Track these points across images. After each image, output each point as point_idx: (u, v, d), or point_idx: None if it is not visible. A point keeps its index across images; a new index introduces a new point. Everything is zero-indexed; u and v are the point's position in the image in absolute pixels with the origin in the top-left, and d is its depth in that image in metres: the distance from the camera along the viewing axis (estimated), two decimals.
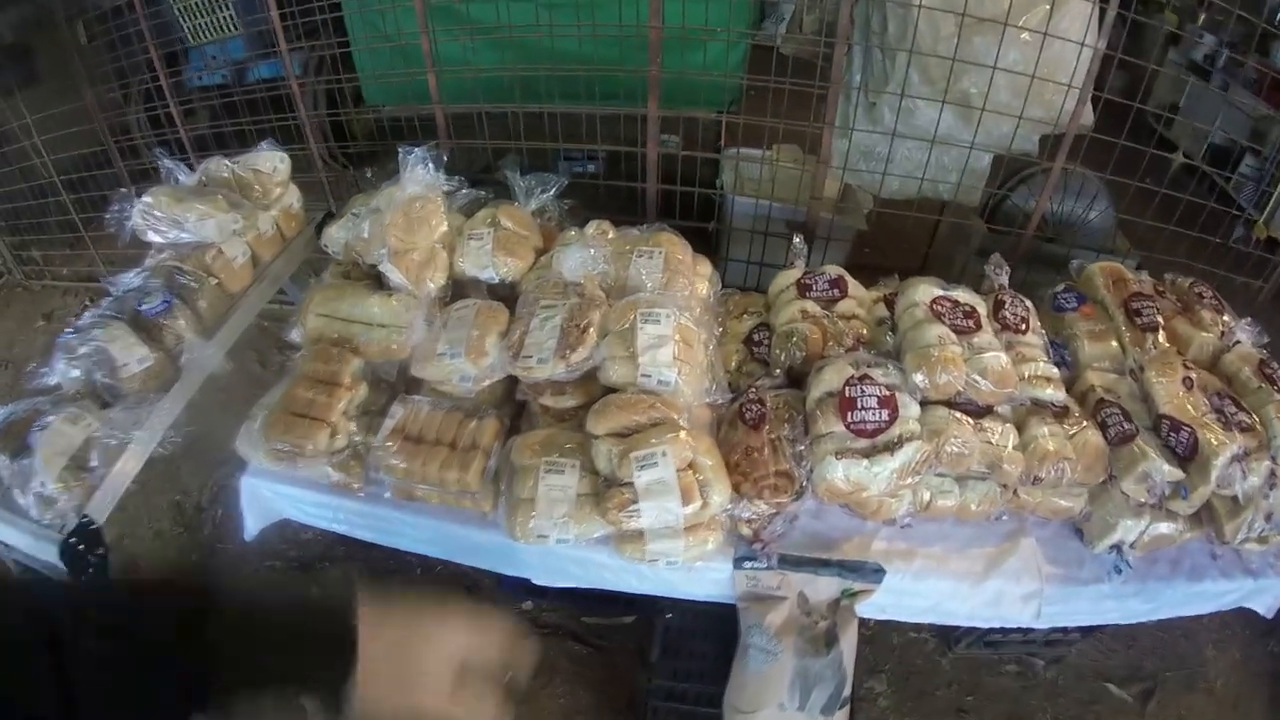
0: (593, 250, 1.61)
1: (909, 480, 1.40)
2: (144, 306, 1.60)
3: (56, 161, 2.82)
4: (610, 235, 1.76)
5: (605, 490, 1.37)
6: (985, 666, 1.99)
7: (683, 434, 1.35)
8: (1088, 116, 1.93)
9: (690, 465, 1.37)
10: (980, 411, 1.47)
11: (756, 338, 1.66)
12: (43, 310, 2.77)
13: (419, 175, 1.74)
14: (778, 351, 1.57)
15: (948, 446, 1.41)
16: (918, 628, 1.99)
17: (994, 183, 1.99)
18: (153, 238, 1.73)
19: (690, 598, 1.57)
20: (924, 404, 1.45)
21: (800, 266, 1.73)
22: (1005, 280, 1.68)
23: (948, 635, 1.96)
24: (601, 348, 1.48)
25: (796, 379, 1.57)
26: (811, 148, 1.98)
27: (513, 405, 1.66)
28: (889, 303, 1.65)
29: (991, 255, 1.66)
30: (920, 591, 1.52)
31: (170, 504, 2.24)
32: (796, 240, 1.74)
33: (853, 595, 1.50)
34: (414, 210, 1.68)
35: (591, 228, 1.76)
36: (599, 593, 1.60)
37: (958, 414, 1.44)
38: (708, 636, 1.74)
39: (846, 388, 1.42)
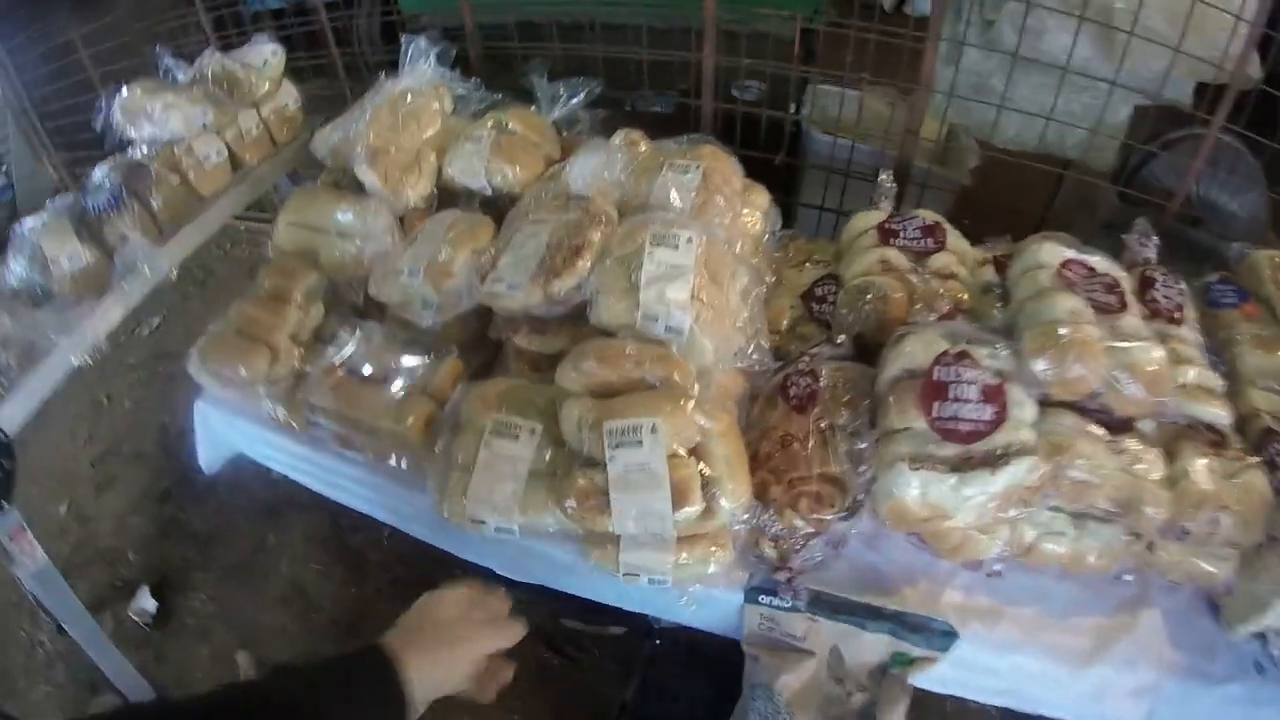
0: (611, 156, 1.22)
1: (1011, 512, 1.00)
2: (89, 201, 1.48)
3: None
4: (642, 147, 1.37)
5: (568, 471, 0.99)
6: None
7: (686, 405, 0.97)
8: (1255, 67, 1.51)
9: (695, 452, 0.98)
10: (1118, 425, 1.07)
11: (819, 293, 1.28)
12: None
13: (420, 70, 1.48)
14: (844, 310, 1.18)
15: (1072, 470, 1.01)
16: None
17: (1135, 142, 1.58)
18: (131, 134, 1.60)
19: (683, 624, 1.22)
20: (1043, 405, 1.05)
21: (886, 210, 1.33)
22: (1153, 255, 1.27)
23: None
24: (595, 276, 1.09)
25: (867, 351, 1.19)
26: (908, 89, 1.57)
27: (487, 349, 1.34)
28: (999, 265, 1.26)
29: (1136, 221, 1.26)
30: (999, 669, 1.13)
31: (159, 425, 2.19)
32: (884, 177, 1.34)
33: (908, 663, 1.11)
34: (403, 105, 1.42)
35: (619, 136, 1.39)
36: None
37: (1089, 425, 1.04)
38: (704, 674, 1.36)
39: (936, 368, 1.02)
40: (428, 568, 1.61)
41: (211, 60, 1.67)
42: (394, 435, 1.15)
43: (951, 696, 1.56)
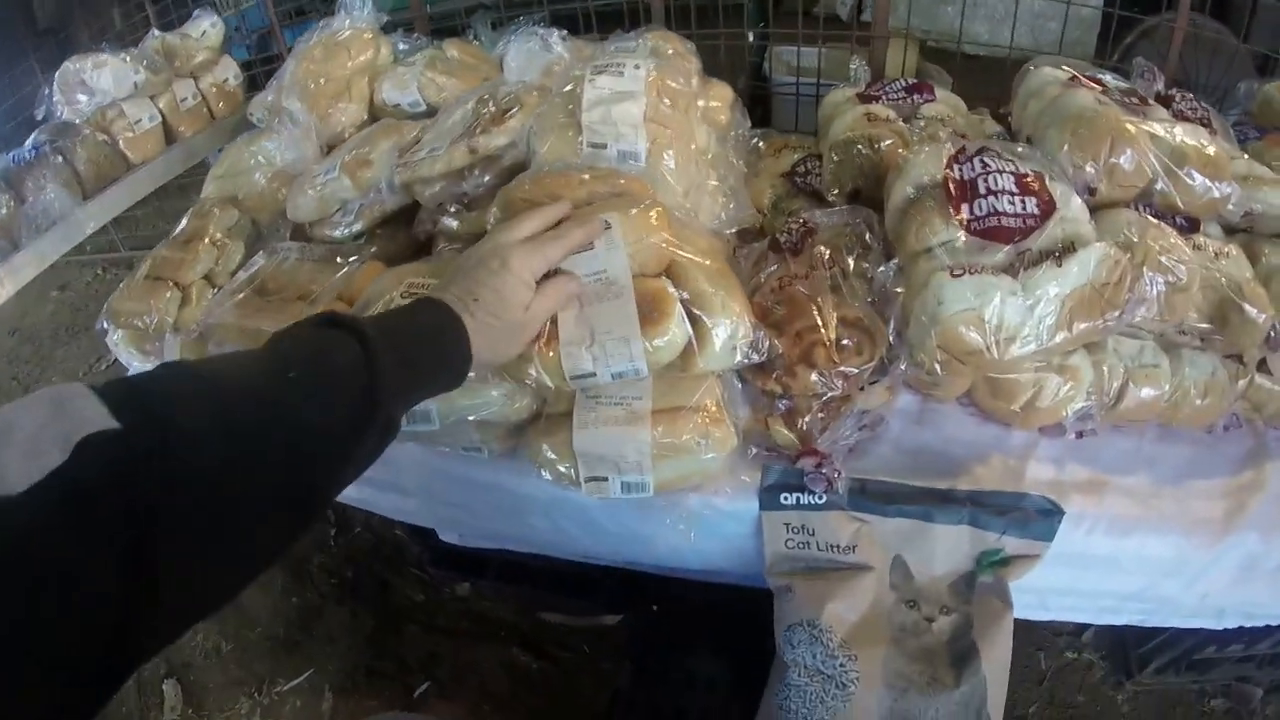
0: (547, 41, 1.13)
1: (1095, 321, 0.80)
2: (11, 154, 1.45)
3: None
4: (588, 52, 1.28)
5: None
6: (1183, 703, 1.23)
7: (652, 212, 0.77)
8: None
9: (669, 272, 0.78)
10: (1181, 230, 0.91)
11: (802, 169, 1.14)
12: (59, 283, 2.85)
13: (355, 14, 1.39)
14: (834, 162, 1.04)
15: (1151, 266, 0.83)
16: (1076, 643, 1.25)
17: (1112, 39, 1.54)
18: (68, 114, 1.56)
19: (676, 569, 0.97)
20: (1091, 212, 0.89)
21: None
22: (1160, 88, 1.17)
23: (1126, 654, 1.21)
24: (530, 121, 0.94)
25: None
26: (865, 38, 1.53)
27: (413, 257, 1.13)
28: (999, 117, 1.14)
29: (1135, 60, 1.17)
30: (1119, 560, 0.87)
31: None
32: (856, 64, 1.25)
33: (1003, 563, 0.84)
34: (335, 39, 1.34)
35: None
36: (566, 576, 1.16)
37: (1151, 219, 0.88)
38: (716, 647, 1.08)
39: (955, 166, 0.86)
40: (382, 565, 1.51)
41: (151, 39, 1.68)
42: None
43: (1042, 640, 1.25)
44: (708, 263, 0.80)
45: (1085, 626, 1.25)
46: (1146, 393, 0.88)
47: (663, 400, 0.80)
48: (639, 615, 1.15)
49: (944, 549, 0.85)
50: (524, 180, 0.86)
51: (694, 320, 0.76)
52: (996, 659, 0.83)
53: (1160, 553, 0.86)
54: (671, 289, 0.77)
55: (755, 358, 0.79)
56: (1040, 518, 0.83)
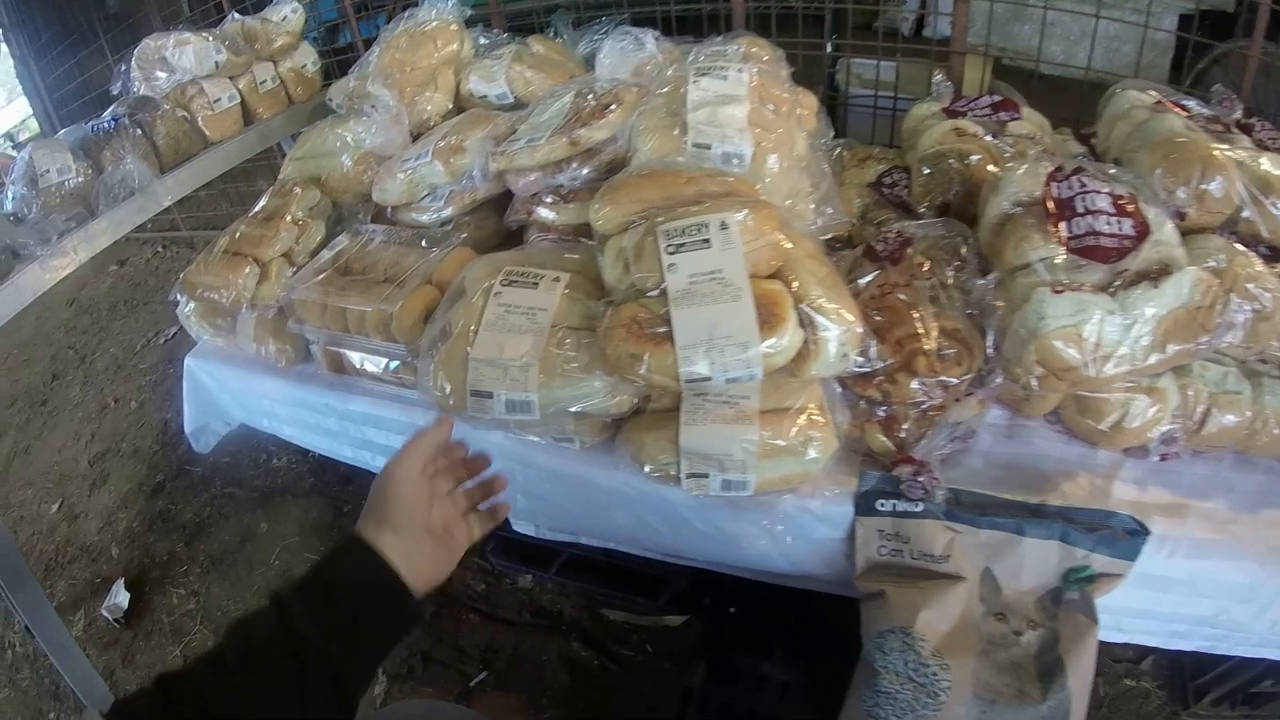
0: (641, 39, 1.20)
1: (1187, 344, 0.88)
2: (91, 124, 1.52)
3: None
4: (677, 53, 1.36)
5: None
6: None
7: (767, 212, 0.84)
8: None
9: (780, 275, 0.85)
10: (1265, 257, 0.99)
11: (889, 180, 1.23)
12: (118, 257, 3.09)
13: (440, 7, 1.50)
14: (924, 176, 1.11)
15: (1238, 294, 0.91)
16: (1134, 671, 1.31)
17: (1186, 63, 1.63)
18: (139, 90, 1.65)
19: (758, 571, 1.01)
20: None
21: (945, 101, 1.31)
22: (1239, 116, 1.26)
23: (1183, 684, 1.28)
24: (633, 119, 1.00)
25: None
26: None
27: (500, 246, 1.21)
28: (1082, 138, 1.23)
29: (1214, 87, 1.26)
30: (1196, 584, 0.94)
31: (161, 422, 2.28)
32: (938, 77, 1.33)
33: (1089, 580, 0.91)
34: (420, 30, 1.44)
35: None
36: (636, 572, 1.22)
37: (1239, 246, 0.96)
38: (791, 648, 1.14)
39: (1054, 184, 0.94)
40: None
41: (231, 21, 1.77)
42: (379, 322, 0.98)
43: (1107, 654, 1.30)
44: (820, 267, 0.86)
45: (1144, 654, 1.32)
46: (1228, 419, 0.96)
47: (768, 401, 0.87)
48: (713, 616, 1.20)
49: (1032, 562, 0.91)
50: (631, 174, 0.92)
51: (807, 324, 0.82)
52: (1081, 675, 0.89)
53: (1235, 578, 0.93)
54: (786, 290, 0.82)
55: (864, 365, 0.85)
56: (1127, 537, 0.91)
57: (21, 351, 2.74)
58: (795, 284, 0.84)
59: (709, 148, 0.95)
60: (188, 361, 1.40)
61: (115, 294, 2.91)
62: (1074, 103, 1.49)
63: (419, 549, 0.70)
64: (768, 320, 0.80)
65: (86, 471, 2.20)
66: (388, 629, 0.68)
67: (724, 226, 0.82)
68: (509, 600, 1.46)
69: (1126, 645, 1.19)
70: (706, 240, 0.81)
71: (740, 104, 0.97)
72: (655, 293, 0.82)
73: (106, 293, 2.94)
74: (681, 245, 0.81)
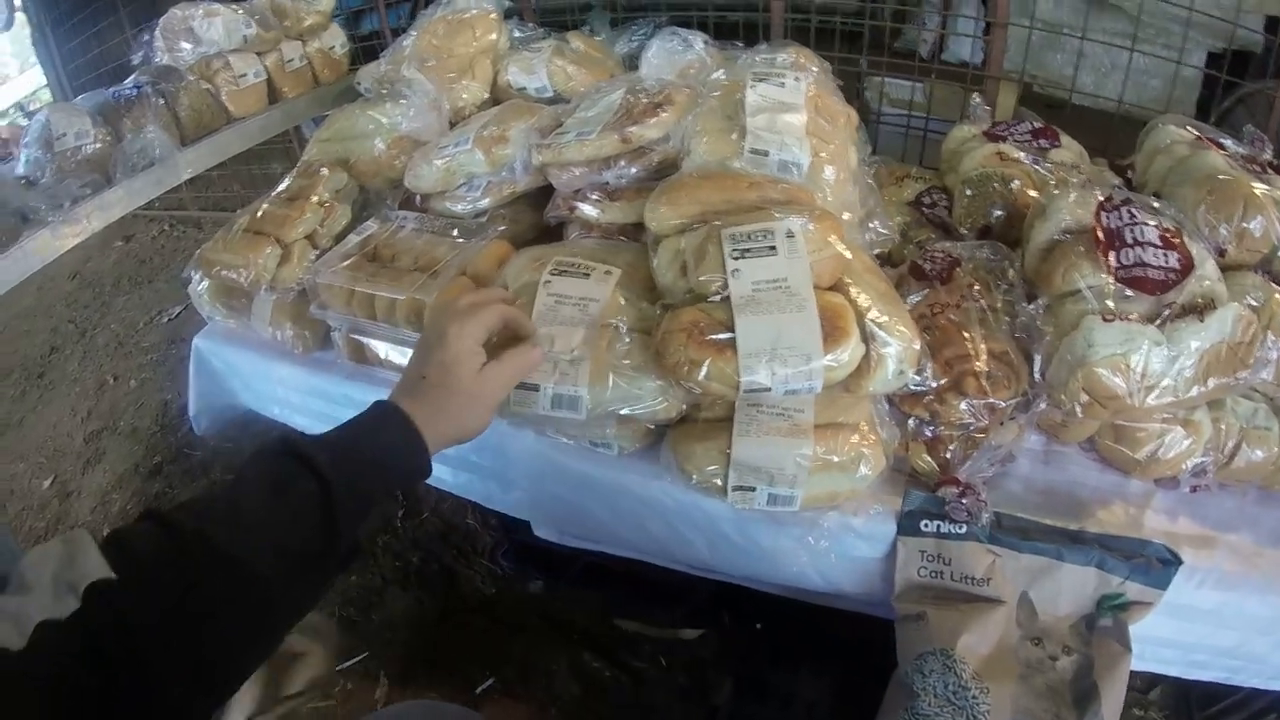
0: (688, 40, 1.21)
1: (1226, 378, 0.92)
2: (112, 91, 1.53)
3: None
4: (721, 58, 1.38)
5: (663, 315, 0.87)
6: None
7: (830, 222, 0.86)
8: None
9: (840, 287, 0.87)
10: None
11: (928, 200, 1.26)
12: (124, 233, 3.11)
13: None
14: (967, 198, 1.14)
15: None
16: (1142, 700, 1.36)
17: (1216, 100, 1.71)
18: (163, 60, 1.66)
19: (794, 588, 1.02)
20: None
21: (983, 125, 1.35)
22: (1271, 157, 1.32)
23: (1190, 715, 1.33)
24: (688, 120, 1.01)
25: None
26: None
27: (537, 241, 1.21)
28: (1118, 170, 1.27)
29: (1245, 127, 1.32)
30: (1226, 616, 0.98)
31: (160, 402, 2.30)
32: (975, 99, 1.36)
33: (1122, 607, 0.94)
34: (459, 17, 1.46)
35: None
36: (653, 582, 1.19)
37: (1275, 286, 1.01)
38: (818, 666, 1.16)
39: (1103, 214, 0.98)
40: (451, 554, 1.57)
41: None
42: (415, 313, 0.96)
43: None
44: (879, 282, 0.88)
45: (1153, 684, 1.37)
46: (1257, 454, 1.01)
47: (821, 415, 0.88)
48: (739, 632, 1.21)
49: (1069, 588, 0.94)
50: (687, 175, 0.93)
51: (869, 339, 0.84)
52: (1114, 703, 0.92)
53: (1260, 611, 0.98)
54: (848, 303, 0.84)
55: (919, 383, 0.87)
56: (1161, 566, 0.94)
57: (21, 322, 2.70)
58: (858, 297, 0.86)
59: (766, 154, 0.96)
60: (196, 342, 1.36)
61: (120, 270, 2.88)
62: (1097, 133, 1.55)
63: (456, 407, 0.74)
64: (831, 333, 0.81)
65: (81, 449, 2.20)
66: (392, 465, 0.70)
67: (789, 234, 0.84)
68: (520, 606, 1.46)
69: (1135, 675, 1.24)
70: (772, 247, 0.83)
71: (798, 112, 0.99)
72: (716, 298, 0.84)
73: (111, 268, 2.93)
74: (746, 250, 0.83)
